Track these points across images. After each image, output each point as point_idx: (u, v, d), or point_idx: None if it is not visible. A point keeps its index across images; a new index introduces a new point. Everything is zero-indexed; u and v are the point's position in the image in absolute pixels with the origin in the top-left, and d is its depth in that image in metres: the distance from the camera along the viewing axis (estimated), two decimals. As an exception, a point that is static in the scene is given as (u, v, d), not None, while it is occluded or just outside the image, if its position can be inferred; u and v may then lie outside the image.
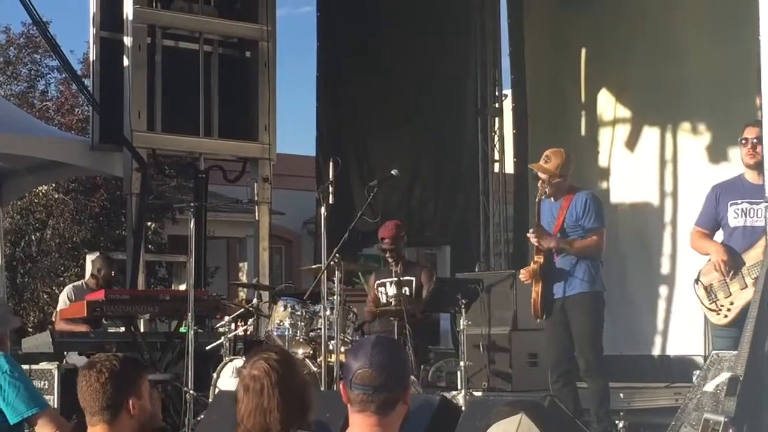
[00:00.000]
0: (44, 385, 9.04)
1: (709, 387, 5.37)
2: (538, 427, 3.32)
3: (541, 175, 7.53)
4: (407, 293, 8.91)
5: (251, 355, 3.51)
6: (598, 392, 7.42)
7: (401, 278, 8.84)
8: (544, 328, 7.78)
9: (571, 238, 7.48)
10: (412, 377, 7.30)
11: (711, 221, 6.71)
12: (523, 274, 7.62)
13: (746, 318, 5.47)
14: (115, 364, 3.78)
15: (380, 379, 3.21)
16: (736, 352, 5.38)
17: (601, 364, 7.51)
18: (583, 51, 13.08)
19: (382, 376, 3.22)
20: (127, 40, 11.53)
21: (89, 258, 12.64)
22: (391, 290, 8.96)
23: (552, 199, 7.57)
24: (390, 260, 9.11)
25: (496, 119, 14.30)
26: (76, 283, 10.84)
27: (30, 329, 16.32)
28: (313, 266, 8.84)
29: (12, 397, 4.59)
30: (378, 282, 9.22)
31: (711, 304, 6.43)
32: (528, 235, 7.52)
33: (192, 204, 10.39)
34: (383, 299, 9.04)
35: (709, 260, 6.53)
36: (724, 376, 5.29)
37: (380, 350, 3.25)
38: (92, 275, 10.65)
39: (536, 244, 7.42)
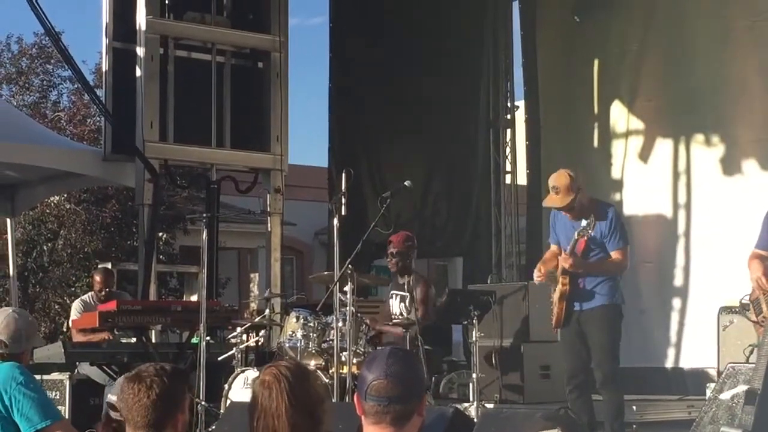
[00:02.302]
0: (56, 395, 9.05)
1: (726, 396, 5.34)
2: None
3: (557, 205, 7.52)
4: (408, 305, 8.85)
5: (265, 366, 3.50)
6: (614, 405, 7.40)
7: (407, 291, 8.81)
8: (560, 338, 7.74)
9: (599, 261, 7.46)
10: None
11: None
12: (538, 276, 7.60)
13: (765, 331, 5.45)
14: (165, 381, 3.74)
15: (396, 391, 3.19)
16: (752, 364, 5.36)
17: (617, 376, 7.48)
18: (596, 62, 13.06)
19: (397, 387, 3.19)
20: (140, 51, 11.55)
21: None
22: (396, 304, 8.94)
23: (569, 215, 7.54)
24: (391, 267, 9.07)
25: (509, 131, 14.27)
26: (83, 297, 10.83)
27: (43, 339, 16.30)
28: (324, 273, 8.83)
29: (26, 409, 4.58)
30: (389, 294, 9.19)
31: (758, 317, 6.43)
32: (562, 263, 7.43)
33: (204, 215, 10.39)
34: (395, 311, 9.00)
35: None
36: (741, 388, 5.26)
37: (395, 361, 3.23)
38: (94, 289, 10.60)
39: (567, 267, 7.38)
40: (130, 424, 3.72)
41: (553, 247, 7.82)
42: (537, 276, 7.69)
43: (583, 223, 7.31)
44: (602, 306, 7.43)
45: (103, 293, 10.14)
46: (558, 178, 7.56)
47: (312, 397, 3.44)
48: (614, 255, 7.47)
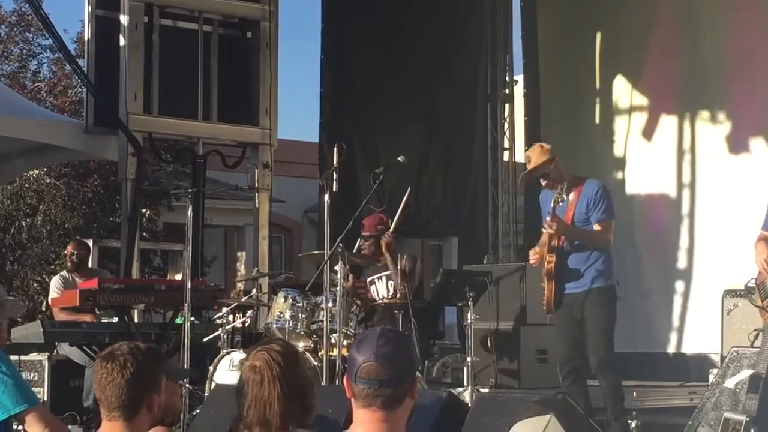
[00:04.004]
0: (34, 376, 9.06)
1: (730, 384, 5.36)
2: (566, 430, 3.31)
3: (533, 176, 7.54)
4: (391, 288, 8.82)
5: (254, 347, 3.50)
6: (612, 389, 7.41)
7: (386, 273, 8.79)
8: (554, 322, 7.76)
9: (582, 229, 7.48)
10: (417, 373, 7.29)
11: None
12: (533, 258, 7.61)
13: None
14: (140, 360, 3.74)
15: (386, 373, 3.19)
16: (756, 348, 5.37)
17: (613, 361, 7.50)
18: (599, 35, 13.05)
19: (388, 369, 3.19)
20: (124, 19, 11.51)
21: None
22: (382, 287, 8.93)
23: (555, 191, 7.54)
24: (365, 251, 9.02)
25: (507, 105, 14.28)
26: (63, 273, 10.82)
27: (19, 319, 16.32)
28: (314, 252, 8.83)
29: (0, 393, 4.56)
30: (370, 279, 9.13)
31: (764, 301, 6.42)
32: (546, 225, 7.44)
33: (189, 190, 10.40)
34: (377, 296, 8.97)
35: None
36: (745, 373, 5.27)
37: (386, 342, 3.23)
38: (68, 260, 10.56)
39: (552, 232, 7.37)
40: (104, 405, 3.72)
41: None
42: (533, 257, 7.69)
43: (570, 195, 7.37)
44: (597, 288, 7.44)
45: (71, 263, 10.12)
46: (530, 150, 7.68)
47: (303, 382, 3.45)
48: (596, 227, 7.47)
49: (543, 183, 7.53)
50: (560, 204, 7.31)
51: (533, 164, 7.50)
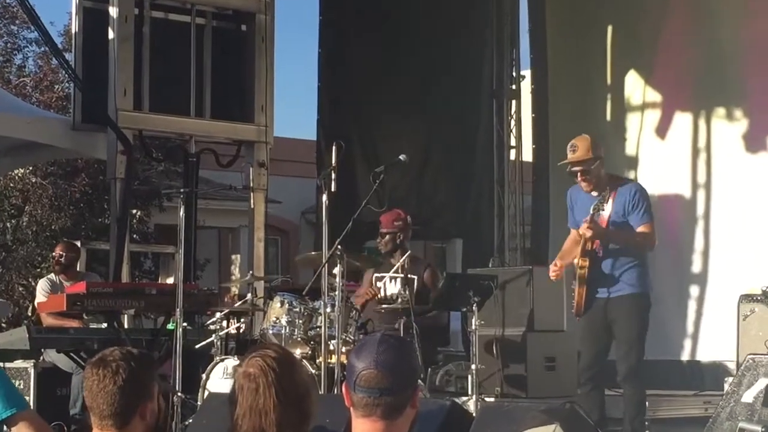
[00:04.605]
0: (20, 384, 9.05)
1: (748, 398, 5.36)
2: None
3: (574, 168, 7.50)
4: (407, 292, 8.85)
5: (248, 353, 3.48)
6: (636, 401, 7.43)
7: (402, 275, 8.80)
8: (581, 325, 7.74)
9: (623, 231, 7.47)
10: (420, 381, 7.30)
11: None
12: (554, 273, 7.61)
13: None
14: (133, 365, 3.74)
15: (387, 381, 3.20)
16: (774, 356, 5.38)
17: (642, 370, 7.51)
18: (610, 28, 13.06)
19: (388, 377, 3.20)
20: (113, 11, 11.52)
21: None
22: (392, 286, 8.94)
23: (594, 193, 7.53)
24: (382, 248, 9.07)
25: (513, 102, 14.28)
26: (50, 276, 10.83)
27: (3, 324, 16.33)
28: (311, 253, 8.83)
29: (-13, 398, 4.57)
30: (377, 275, 9.16)
31: None
32: (582, 231, 7.42)
33: (181, 190, 10.37)
34: (385, 293, 8.99)
35: None
36: (762, 383, 5.28)
37: (386, 349, 3.23)
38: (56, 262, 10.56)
39: (588, 236, 7.37)
40: (95, 413, 3.72)
41: (573, 233, 7.80)
42: (553, 272, 7.68)
43: (605, 196, 7.35)
44: (631, 295, 7.44)
45: (59, 265, 10.13)
46: (578, 138, 7.63)
47: (300, 389, 3.43)
48: (640, 229, 7.47)
49: (579, 178, 7.50)
50: (599, 213, 7.31)
51: (578, 156, 7.47)
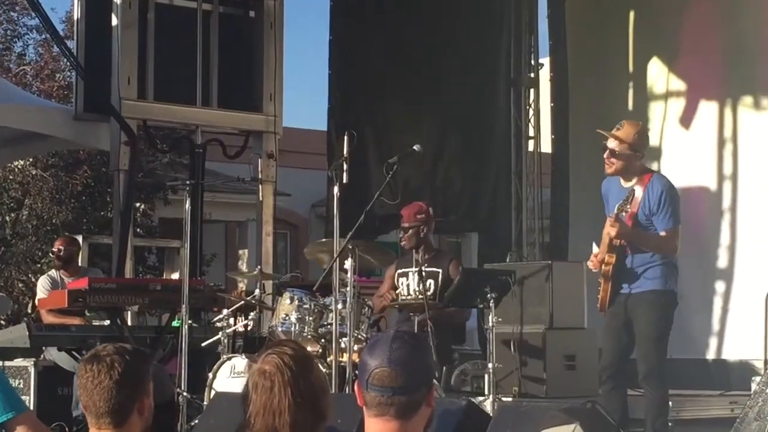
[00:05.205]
0: (19, 383, 9.09)
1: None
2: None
3: (609, 143, 7.50)
4: (432, 286, 8.88)
5: (264, 350, 3.48)
6: (657, 401, 7.42)
7: (426, 269, 8.81)
8: (604, 322, 7.75)
9: (647, 233, 7.49)
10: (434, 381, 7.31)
11: None
12: (593, 263, 7.62)
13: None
14: (128, 359, 3.75)
15: (400, 380, 3.20)
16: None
17: (664, 370, 7.50)
18: (632, 14, 13.03)
19: (402, 375, 3.20)
20: (116, -4, 11.55)
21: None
22: (414, 282, 8.93)
23: (621, 181, 7.53)
24: (404, 244, 9.10)
25: (532, 91, 14.25)
26: (51, 273, 10.86)
27: (3, 321, 16.39)
28: (322, 240, 8.84)
29: (-15, 399, 4.59)
30: (399, 272, 9.18)
31: None
32: (608, 230, 7.43)
33: (187, 182, 10.43)
34: (404, 291, 9.02)
35: None
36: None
37: (400, 346, 3.24)
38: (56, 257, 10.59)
39: (612, 235, 7.39)
40: (91, 412, 3.72)
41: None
42: (593, 263, 7.69)
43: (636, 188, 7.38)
44: (653, 291, 7.44)
45: (59, 259, 10.16)
46: (630, 121, 7.77)
47: (316, 389, 3.43)
48: (662, 234, 7.48)
49: (609, 160, 7.50)
50: (623, 214, 7.33)
51: (617, 134, 7.49)
